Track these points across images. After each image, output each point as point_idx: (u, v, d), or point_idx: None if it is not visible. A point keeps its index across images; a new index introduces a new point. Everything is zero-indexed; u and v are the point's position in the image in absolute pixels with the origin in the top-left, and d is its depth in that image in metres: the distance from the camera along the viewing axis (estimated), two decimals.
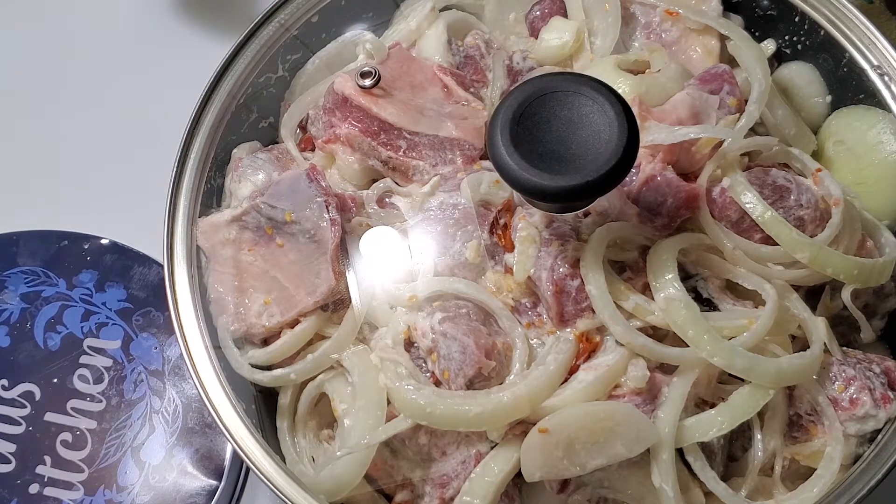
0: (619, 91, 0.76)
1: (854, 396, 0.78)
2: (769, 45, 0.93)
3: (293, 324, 0.82)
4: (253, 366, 0.82)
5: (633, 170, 0.77)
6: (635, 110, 0.79)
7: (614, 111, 0.71)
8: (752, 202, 0.80)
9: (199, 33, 1.21)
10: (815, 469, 0.79)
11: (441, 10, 0.93)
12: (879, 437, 0.78)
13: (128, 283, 1.03)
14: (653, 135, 0.80)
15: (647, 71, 0.88)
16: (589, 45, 0.91)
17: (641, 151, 0.79)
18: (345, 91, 0.85)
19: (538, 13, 0.94)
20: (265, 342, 0.83)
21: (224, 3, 1.22)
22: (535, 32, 0.93)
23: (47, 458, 0.96)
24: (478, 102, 0.87)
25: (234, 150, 0.90)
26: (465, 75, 0.90)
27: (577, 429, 0.73)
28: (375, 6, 0.95)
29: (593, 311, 0.77)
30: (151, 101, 1.15)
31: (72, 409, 0.98)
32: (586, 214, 0.80)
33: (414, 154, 0.85)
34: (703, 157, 0.82)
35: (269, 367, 0.82)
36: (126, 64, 1.19)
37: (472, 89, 0.89)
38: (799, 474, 0.80)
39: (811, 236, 0.80)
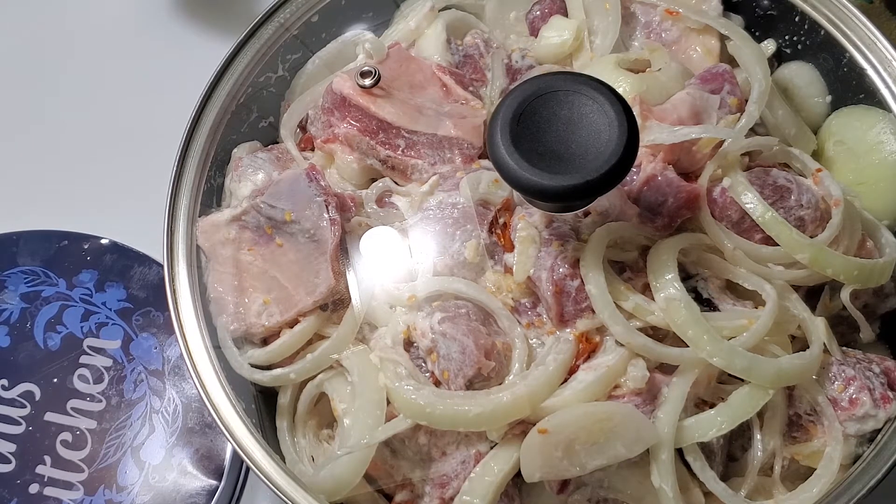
0: (620, 90, 0.76)
1: (853, 396, 0.78)
2: (769, 45, 0.93)
3: (293, 323, 0.82)
4: (252, 365, 0.82)
5: (633, 169, 0.77)
6: (636, 109, 0.79)
7: (614, 111, 0.71)
8: (752, 202, 0.80)
9: (198, 33, 1.21)
10: (815, 469, 0.79)
11: (440, 10, 0.93)
12: (879, 437, 0.78)
13: (128, 283, 1.03)
14: (654, 134, 0.80)
15: (647, 70, 0.87)
16: (589, 43, 0.90)
17: (642, 151, 0.79)
18: (343, 90, 0.85)
19: (538, 12, 0.94)
20: (265, 342, 0.83)
21: (224, 3, 1.22)
22: (535, 31, 0.93)
23: (47, 458, 0.96)
24: (477, 101, 0.87)
25: (234, 150, 0.90)
26: (465, 74, 0.90)
27: (576, 429, 0.73)
28: (375, 6, 0.95)
29: (593, 312, 0.77)
30: (151, 101, 1.15)
31: (72, 408, 0.98)
32: (586, 214, 0.80)
33: (412, 153, 0.84)
34: (703, 156, 0.82)
35: (268, 367, 0.82)
36: (125, 64, 1.20)
37: (471, 88, 0.89)
38: (799, 474, 0.80)
39: (811, 236, 0.80)
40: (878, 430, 0.78)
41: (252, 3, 1.20)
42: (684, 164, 0.82)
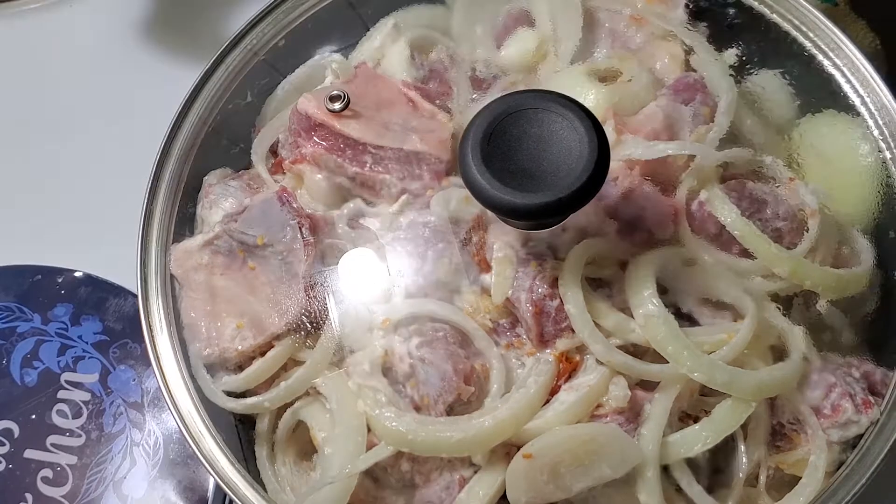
0: (593, 102, 0.76)
1: (836, 403, 0.78)
2: (733, 54, 0.92)
3: (267, 348, 0.81)
4: (227, 393, 0.81)
5: (611, 183, 0.77)
6: (611, 123, 0.79)
7: (584, 126, 0.71)
8: (729, 217, 0.79)
9: (165, 60, 1.20)
10: (800, 477, 0.78)
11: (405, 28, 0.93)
12: (862, 442, 0.78)
13: (103, 316, 1.02)
14: (629, 149, 0.80)
15: (618, 80, 0.87)
16: (553, 51, 0.90)
17: (619, 165, 0.79)
18: (308, 110, 0.85)
19: (503, 25, 0.93)
20: (241, 368, 0.82)
21: (190, 29, 1.22)
22: (501, 44, 0.93)
23: (28, 496, 0.95)
24: (444, 114, 0.87)
25: (205, 177, 0.89)
26: (431, 88, 0.89)
27: (560, 452, 0.73)
28: (344, 29, 0.95)
29: (573, 331, 0.77)
30: (119, 131, 1.14)
31: (51, 444, 0.97)
32: (564, 231, 0.80)
33: (380, 168, 0.84)
34: (679, 166, 0.82)
35: (243, 394, 0.81)
36: (93, 93, 1.19)
37: (438, 101, 0.89)
38: (784, 483, 0.80)
39: (788, 247, 0.80)
40: (861, 436, 0.78)
41: (219, 28, 1.20)
42: (660, 176, 0.82)
